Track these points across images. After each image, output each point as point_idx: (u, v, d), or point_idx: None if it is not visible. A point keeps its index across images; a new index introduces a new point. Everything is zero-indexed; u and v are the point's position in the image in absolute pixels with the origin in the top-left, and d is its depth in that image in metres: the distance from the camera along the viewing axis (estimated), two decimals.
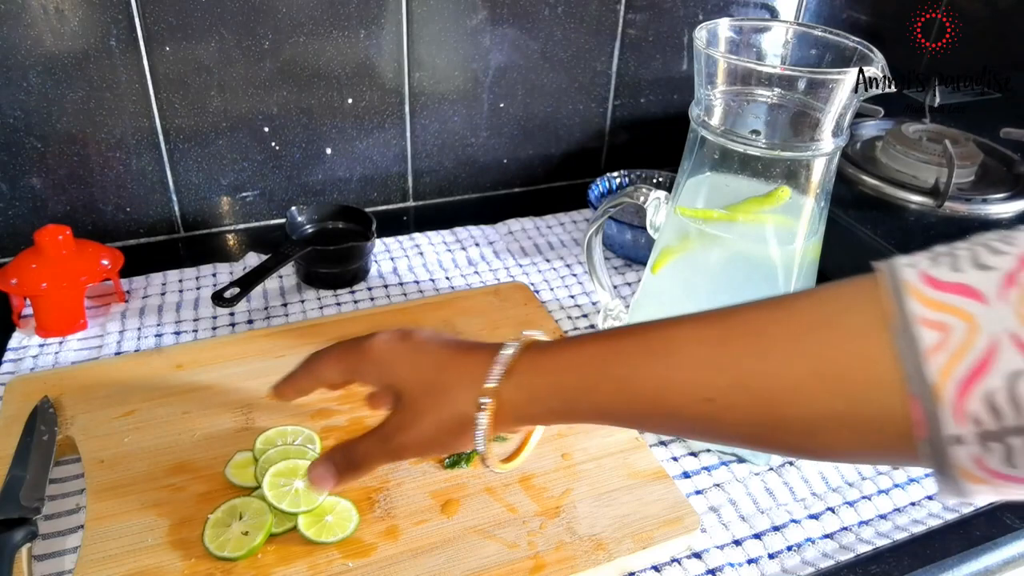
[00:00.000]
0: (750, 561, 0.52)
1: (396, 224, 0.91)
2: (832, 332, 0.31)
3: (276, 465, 0.52)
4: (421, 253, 0.84)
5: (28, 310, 0.71)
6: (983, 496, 0.29)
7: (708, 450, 0.60)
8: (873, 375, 0.30)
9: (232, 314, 0.74)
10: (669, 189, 0.59)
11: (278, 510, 0.50)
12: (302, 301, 0.76)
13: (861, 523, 0.55)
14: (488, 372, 0.40)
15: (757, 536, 0.54)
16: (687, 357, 0.36)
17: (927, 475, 0.59)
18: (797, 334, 0.33)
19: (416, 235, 0.87)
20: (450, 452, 0.53)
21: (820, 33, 0.55)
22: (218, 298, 0.69)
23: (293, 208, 0.80)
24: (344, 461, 0.45)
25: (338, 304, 0.76)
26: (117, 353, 0.68)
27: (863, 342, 0.30)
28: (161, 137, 0.80)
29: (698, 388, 0.35)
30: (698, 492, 0.57)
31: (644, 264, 0.62)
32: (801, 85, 0.51)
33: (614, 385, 0.37)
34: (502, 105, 0.93)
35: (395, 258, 0.83)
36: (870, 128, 0.92)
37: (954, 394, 0.27)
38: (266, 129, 0.84)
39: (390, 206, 0.95)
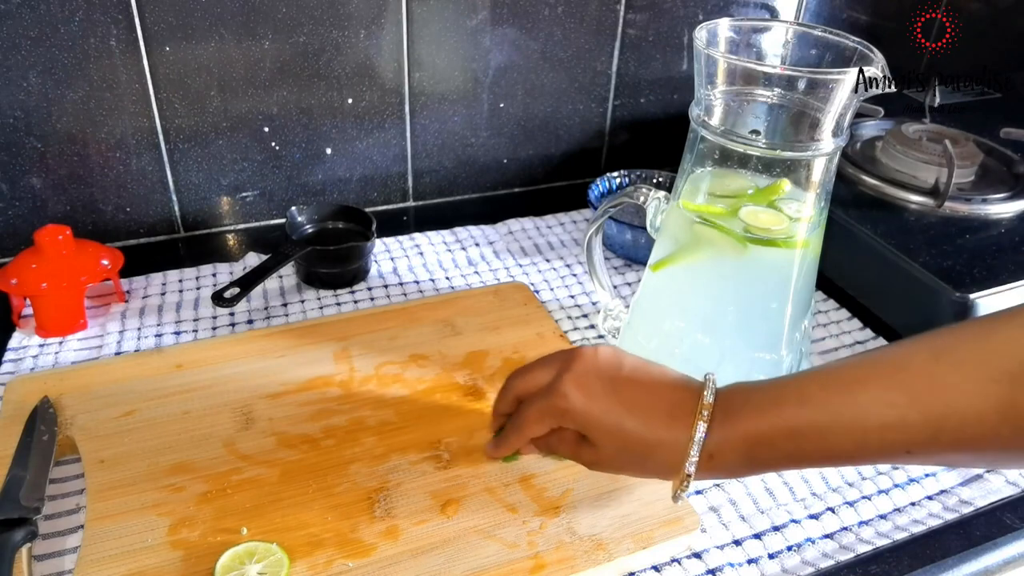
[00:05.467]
0: (750, 561, 0.52)
1: (396, 224, 0.91)
2: None
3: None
4: (421, 253, 0.84)
5: (28, 310, 0.71)
6: None
7: None
8: None
9: (232, 314, 0.74)
10: (669, 189, 0.59)
11: None
12: (302, 301, 0.76)
13: (861, 523, 0.55)
14: (685, 457, 0.43)
15: (757, 536, 0.54)
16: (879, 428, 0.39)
17: (927, 475, 0.59)
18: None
19: (416, 235, 0.87)
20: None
21: (820, 33, 0.55)
22: (218, 298, 0.69)
23: (293, 208, 0.80)
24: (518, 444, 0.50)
25: (338, 304, 0.76)
26: (117, 353, 0.68)
27: None
28: (161, 137, 0.80)
29: (896, 447, 0.39)
30: (698, 492, 0.57)
31: (644, 264, 0.62)
32: (801, 85, 0.51)
33: (809, 451, 0.41)
34: (502, 105, 0.93)
35: (395, 258, 0.83)
36: (870, 128, 0.92)
37: None
38: (266, 129, 0.84)
39: (390, 206, 0.95)
